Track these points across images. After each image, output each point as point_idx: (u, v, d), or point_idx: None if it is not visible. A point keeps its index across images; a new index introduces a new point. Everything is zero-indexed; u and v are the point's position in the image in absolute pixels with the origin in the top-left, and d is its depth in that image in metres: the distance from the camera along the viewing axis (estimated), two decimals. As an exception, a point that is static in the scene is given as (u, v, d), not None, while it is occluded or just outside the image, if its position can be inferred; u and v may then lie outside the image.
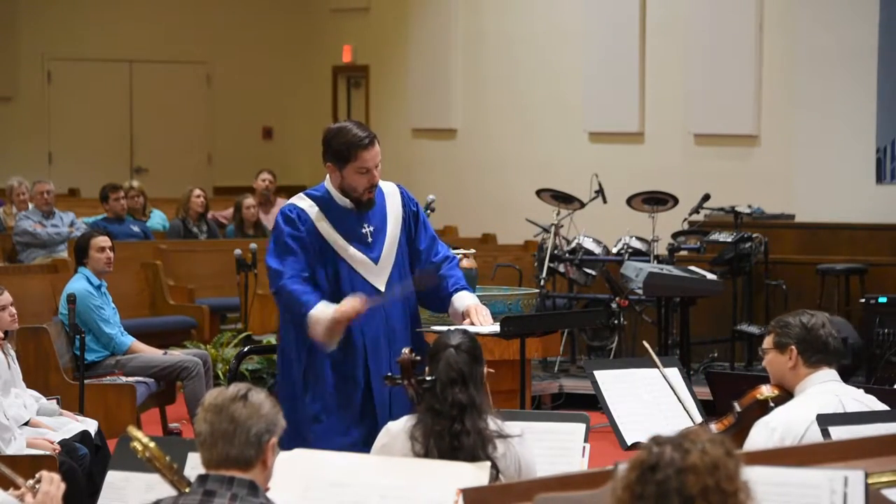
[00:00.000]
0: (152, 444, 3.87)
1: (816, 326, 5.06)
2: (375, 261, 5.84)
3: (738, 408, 5.18)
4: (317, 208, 5.83)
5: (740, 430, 5.04)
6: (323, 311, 5.64)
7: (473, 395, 4.59)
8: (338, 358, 5.77)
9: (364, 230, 5.84)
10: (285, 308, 5.81)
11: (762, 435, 4.84)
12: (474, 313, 5.85)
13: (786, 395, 5.09)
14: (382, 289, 5.82)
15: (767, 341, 5.14)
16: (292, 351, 5.85)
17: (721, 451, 2.90)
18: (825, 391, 4.99)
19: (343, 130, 5.81)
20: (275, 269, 5.77)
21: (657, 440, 2.94)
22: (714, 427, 5.22)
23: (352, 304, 5.64)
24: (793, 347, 5.05)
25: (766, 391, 5.14)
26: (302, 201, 5.86)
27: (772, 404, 5.06)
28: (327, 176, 5.89)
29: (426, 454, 4.52)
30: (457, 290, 5.95)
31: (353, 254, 5.81)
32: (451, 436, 4.53)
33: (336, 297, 5.74)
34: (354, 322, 5.72)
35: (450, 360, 4.63)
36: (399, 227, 5.93)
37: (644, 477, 2.89)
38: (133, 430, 3.89)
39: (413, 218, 6.00)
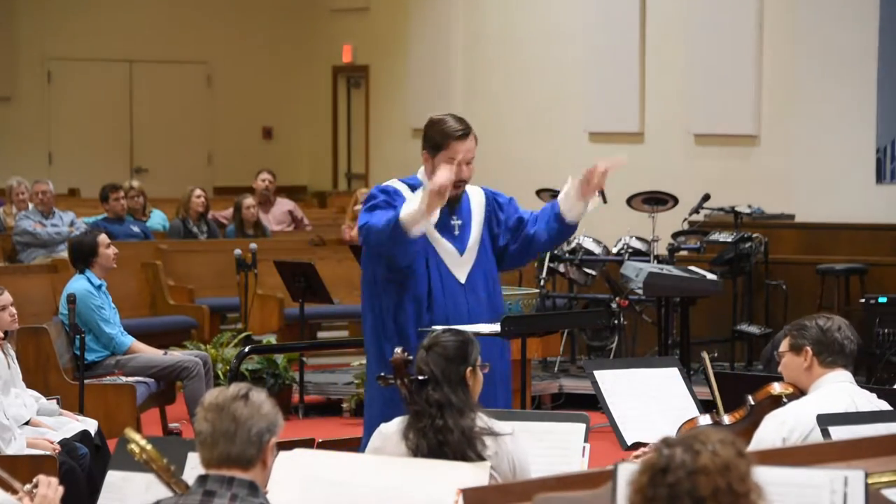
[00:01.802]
0: (149, 447, 3.86)
1: (832, 329, 5.08)
2: (461, 252, 6.02)
3: (751, 401, 5.20)
4: (410, 193, 5.94)
5: (752, 424, 5.05)
6: (410, 202, 5.77)
7: (448, 393, 4.61)
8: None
9: (453, 222, 6.02)
10: (377, 243, 5.85)
11: (772, 428, 4.85)
12: (592, 172, 6.04)
13: (799, 393, 5.11)
14: (463, 281, 5.98)
15: (784, 344, 5.16)
16: (381, 333, 5.95)
17: (732, 451, 2.89)
18: (839, 390, 5.01)
19: (441, 120, 6.02)
20: (360, 222, 5.91)
21: (667, 442, 2.93)
22: (727, 418, 5.24)
23: (440, 176, 5.71)
24: (808, 349, 5.07)
25: (779, 388, 5.15)
26: (396, 184, 6.02)
27: (785, 400, 5.08)
28: (420, 169, 6.06)
29: (416, 451, 4.54)
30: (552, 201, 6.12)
31: (441, 242, 5.98)
32: (434, 431, 4.55)
33: (426, 283, 5.88)
34: (439, 313, 5.85)
35: (419, 361, 4.69)
36: (481, 227, 6.09)
37: (655, 479, 2.88)
38: (130, 433, 3.88)
39: (496, 210, 6.12)
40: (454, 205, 6.01)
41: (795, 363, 5.10)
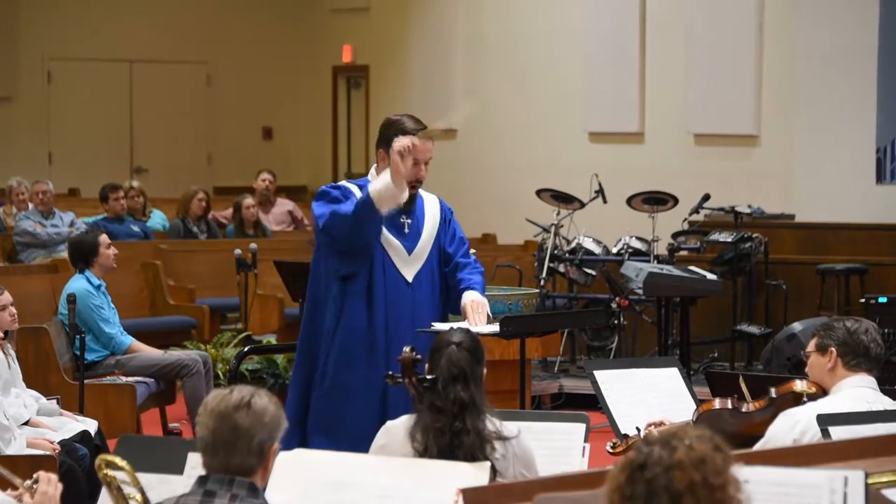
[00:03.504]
0: (129, 468, 3.87)
1: (859, 331, 5.10)
2: (409, 251, 5.97)
3: (773, 393, 5.21)
4: (360, 193, 5.91)
5: (771, 416, 5.06)
6: (374, 182, 5.77)
7: (474, 393, 4.60)
8: (361, 345, 5.86)
9: (402, 220, 5.98)
10: (341, 228, 5.79)
11: (786, 426, 4.86)
12: (469, 310, 5.89)
13: (822, 394, 5.12)
14: (410, 280, 5.93)
15: (811, 344, 5.18)
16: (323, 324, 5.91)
17: (708, 446, 2.91)
18: (857, 395, 5.01)
19: (401, 120, 5.99)
20: (319, 212, 5.86)
21: (647, 439, 2.96)
22: (750, 405, 5.25)
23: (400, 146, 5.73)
24: (833, 349, 5.08)
25: (801, 386, 5.16)
26: (347, 183, 6.00)
27: (805, 399, 5.09)
28: (372, 168, 6.01)
29: (425, 451, 4.53)
30: (465, 290, 6.01)
31: (389, 238, 5.93)
32: (451, 433, 4.53)
33: (367, 280, 5.85)
34: (379, 310, 5.83)
35: (451, 357, 4.63)
36: (436, 230, 6.05)
37: (633, 476, 2.90)
38: (106, 457, 3.89)
39: (446, 224, 6.12)
40: (409, 204, 5.96)
41: (820, 363, 5.12)
